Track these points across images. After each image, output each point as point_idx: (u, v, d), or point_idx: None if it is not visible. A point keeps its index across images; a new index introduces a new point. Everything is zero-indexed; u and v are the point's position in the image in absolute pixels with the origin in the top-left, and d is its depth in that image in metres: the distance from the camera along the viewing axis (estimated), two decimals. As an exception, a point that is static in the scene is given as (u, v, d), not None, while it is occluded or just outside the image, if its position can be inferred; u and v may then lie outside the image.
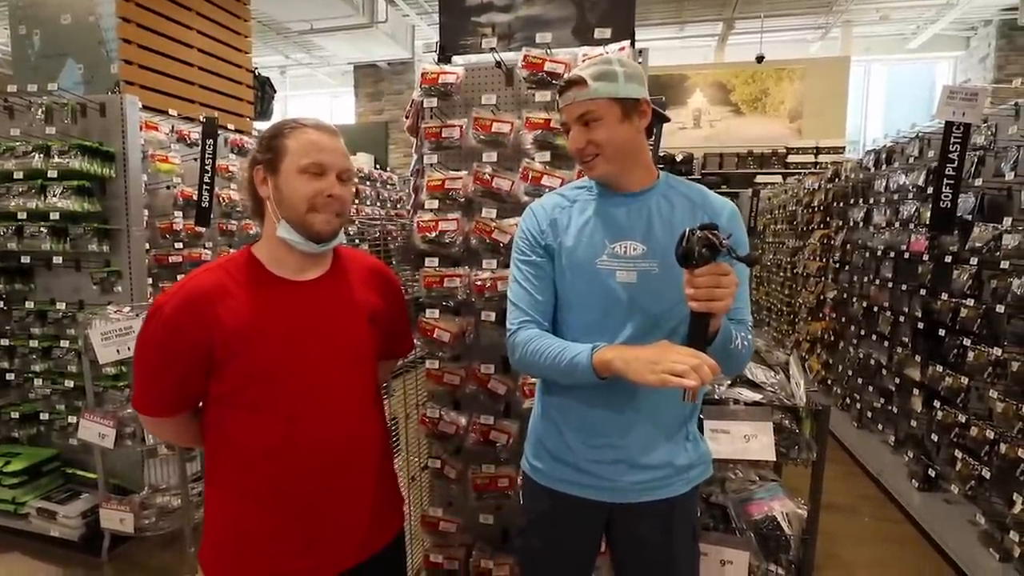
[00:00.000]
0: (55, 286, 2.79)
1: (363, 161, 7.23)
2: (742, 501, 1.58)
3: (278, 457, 1.05)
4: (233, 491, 1.07)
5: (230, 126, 3.72)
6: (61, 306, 2.72)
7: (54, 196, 2.49)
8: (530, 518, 1.29)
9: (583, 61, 1.76)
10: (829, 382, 4.63)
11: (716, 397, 1.56)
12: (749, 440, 1.46)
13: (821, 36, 9.21)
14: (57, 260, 2.66)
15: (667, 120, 1.38)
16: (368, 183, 6.30)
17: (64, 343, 2.72)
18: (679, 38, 9.63)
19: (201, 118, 3.25)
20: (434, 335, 1.88)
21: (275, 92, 5.40)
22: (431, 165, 1.96)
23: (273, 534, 1.06)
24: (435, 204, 1.92)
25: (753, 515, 1.53)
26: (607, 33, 1.86)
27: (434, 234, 1.87)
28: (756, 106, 9.82)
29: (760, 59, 8.20)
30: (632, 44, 1.86)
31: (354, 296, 1.16)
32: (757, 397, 1.54)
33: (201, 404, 1.10)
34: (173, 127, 3.15)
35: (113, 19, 4.22)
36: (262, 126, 3.92)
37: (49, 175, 2.49)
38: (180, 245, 3.12)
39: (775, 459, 1.49)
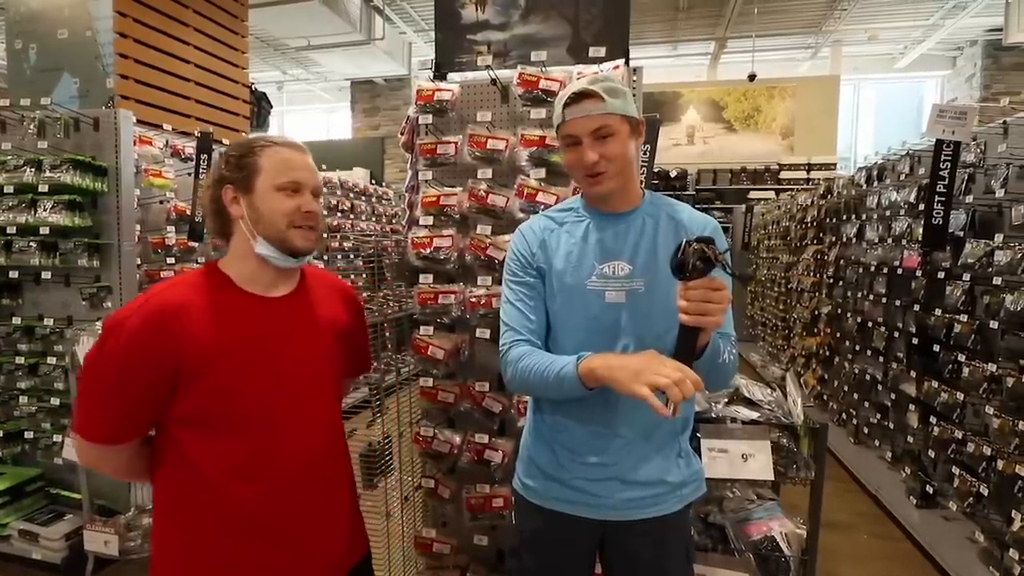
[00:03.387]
0: (43, 301, 2.75)
1: (359, 176, 7.25)
2: (740, 521, 1.56)
3: (245, 478, 1.01)
4: (192, 519, 1.02)
5: (226, 141, 3.72)
6: (49, 322, 2.68)
7: (44, 210, 2.47)
8: (523, 537, 1.27)
9: (578, 79, 1.77)
10: (825, 397, 4.63)
11: (713, 415, 1.54)
12: (747, 459, 1.44)
13: (811, 55, 9.37)
14: (46, 275, 2.62)
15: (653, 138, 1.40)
16: (364, 198, 6.31)
17: (51, 359, 2.67)
18: (673, 56, 9.77)
19: (196, 133, 3.25)
20: (428, 352, 1.86)
21: (271, 107, 5.41)
22: (426, 181, 1.95)
23: (237, 560, 1.02)
24: (430, 220, 1.91)
25: (752, 535, 1.50)
26: (602, 51, 1.88)
27: (429, 250, 1.86)
28: (748, 123, 9.95)
29: (752, 77, 8.32)
30: (627, 63, 1.87)
31: (321, 312, 1.15)
32: (755, 415, 1.53)
33: (153, 431, 1.05)
34: (168, 142, 3.15)
35: (110, 34, 4.23)
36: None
37: (40, 189, 2.47)
38: (172, 260, 3.09)
39: (773, 479, 1.47)
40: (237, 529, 1.02)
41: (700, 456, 1.36)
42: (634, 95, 1.79)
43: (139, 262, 2.97)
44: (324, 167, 5.98)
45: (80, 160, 2.50)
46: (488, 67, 1.93)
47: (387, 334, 2.36)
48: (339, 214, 5.65)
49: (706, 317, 0.94)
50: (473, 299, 1.81)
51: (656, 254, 1.16)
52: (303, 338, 1.11)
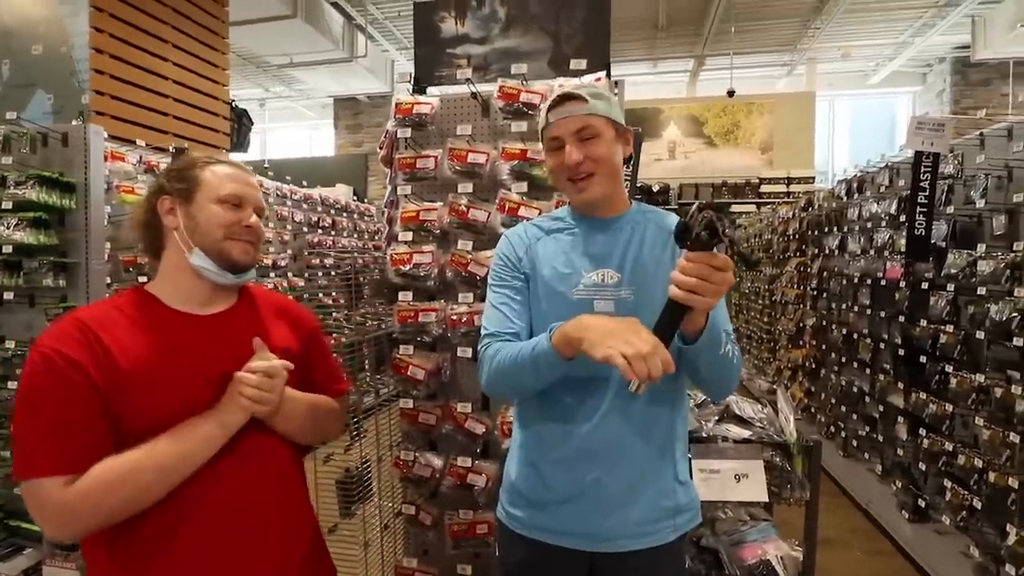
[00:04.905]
0: (5, 323, 2.62)
1: (341, 192, 7.19)
2: (734, 544, 1.50)
3: (188, 511, 0.93)
4: (132, 562, 0.93)
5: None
6: (11, 344, 2.55)
7: (7, 228, 2.36)
8: (506, 570, 1.19)
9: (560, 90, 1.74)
10: (812, 410, 4.61)
11: (704, 434, 1.49)
12: (740, 480, 1.39)
13: (788, 72, 9.57)
14: (8, 295, 2.50)
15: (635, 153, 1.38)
16: (345, 214, 6.24)
17: (12, 384, 2.54)
18: (653, 73, 9.91)
19: (171, 148, 3.17)
20: (408, 372, 1.79)
21: (252, 124, 5.35)
22: (405, 196, 1.90)
23: None
24: (409, 236, 1.86)
25: (747, 560, 1.45)
26: (583, 64, 1.85)
27: (408, 267, 1.80)
28: (728, 138, 10.10)
29: (731, 93, 8.47)
30: (608, 75, 1.85)
31: (263, 330, 1.07)
32: (746, 433, 1.48)
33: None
34: (141, 157, 3.06)
35: (86, 50, 4.17)
36: (239, 158, 3.89)
37: (3, 206, 2.37)
38: (144, 279, 2.99)
39: (768, 499, 1.42)
40: (184, 569, 0.93)
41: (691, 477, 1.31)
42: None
43: (109, 281, 2.87)
44: (305, 183, 5.92)
45: (46, 176, 2.40)
46: (468, 80, 1.90)
47: (365, 353, 2.28)
48: (320, 231, 5.57)
49: (697, 296, 0.87)
50: (454, 317, 1.75)
51: (644, 263, 1.12)
52: (234, 358, 1.01)
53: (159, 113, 3.89)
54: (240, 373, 0.97)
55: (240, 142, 5.16)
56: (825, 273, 4.35)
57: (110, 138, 2.95)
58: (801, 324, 4.92)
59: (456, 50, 2.01)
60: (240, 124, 5.25)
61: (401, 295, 1.85)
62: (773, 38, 8.28)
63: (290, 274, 4.97)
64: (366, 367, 2.37)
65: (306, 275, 5.09)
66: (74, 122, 2.97)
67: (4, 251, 2.39)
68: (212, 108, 4.17)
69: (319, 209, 5.69)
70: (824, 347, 4.35)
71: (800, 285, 4.99)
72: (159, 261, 1.04)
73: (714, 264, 0.86)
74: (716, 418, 1.55)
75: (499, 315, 1.14)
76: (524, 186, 1.77)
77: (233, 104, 4.85)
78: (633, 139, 1.27)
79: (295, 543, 1.07)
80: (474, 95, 1.90)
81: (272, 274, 4.72)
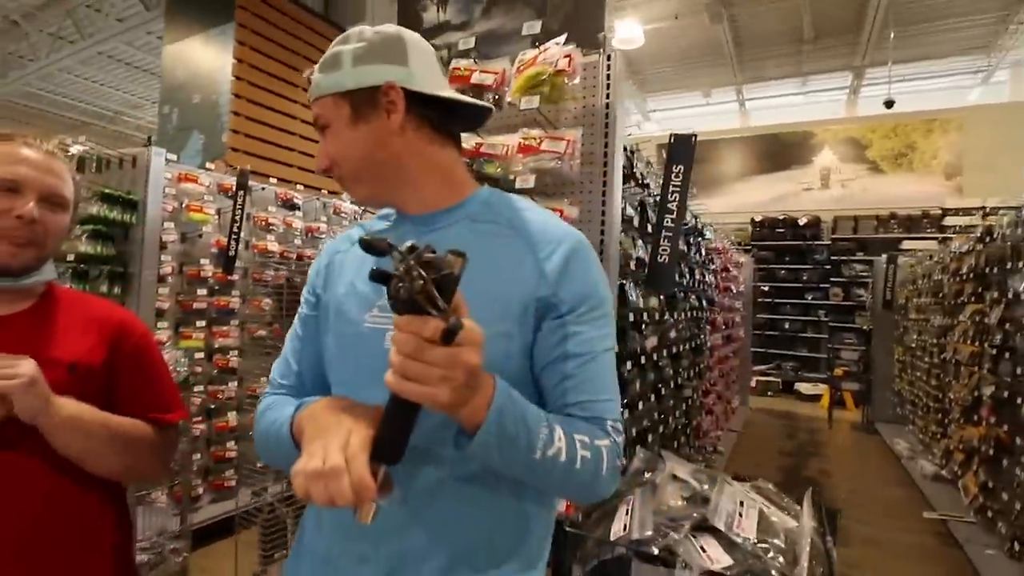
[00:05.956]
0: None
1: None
2: None
3: None
4: None
5: (324, 190, 4.07)
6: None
7: (74, 240, 2.61)
8: None
9: (517, 70, 1.39)
10: (990, 513, 3.38)
11: (655, 549, 0.97)
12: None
13: (982, 80, 7.81)
14: (78, 301, 2.77)
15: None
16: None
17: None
18: (802, 93, 8.81)
19: (234, 169, 3.37)
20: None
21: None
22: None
23: None
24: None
25: None
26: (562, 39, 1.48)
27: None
28: (900, 162, 8.52)
29: (890, 104, 7.08)
30: (601, 46, 1.45)
31: (54, 339, 0.92)
32: (725, 562, 0.92)
33: None
34: (213, 180, 3.28)
35: (228, 96, 4.87)
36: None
37: (72, 220, 2.63)
38: (205, 292, 3.15)
39: None
40: None
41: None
42: (608, 84, 1.37)
43: (178, 293, 3.07)
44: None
45: (108, 193, 2.63)
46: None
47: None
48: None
49: (409, 383, 0.54)
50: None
51: (470, 279, 0.72)
52: None
53: (286, 149, 4.52)
54: None
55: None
56: (1009, 325, 3.21)
57: (243, 172, 3.28)
58: (977, 392, 3.69)
59: (437, 40, 1.76)
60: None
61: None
62: (959, 41, 6.81)
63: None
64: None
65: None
66: (208, 162, 3.35)
67: (68, 260, 2.64)
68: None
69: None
70: (1008, 426, 3.17)
71: (977, 340, 3.78)
72: None
73: (425, 336, 0.53)
74: (689, 525, 1.01)
75: (282, 358, 0.86)
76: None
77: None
78: (681, 144, 0.86)
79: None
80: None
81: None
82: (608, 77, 1.43)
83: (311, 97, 0.79)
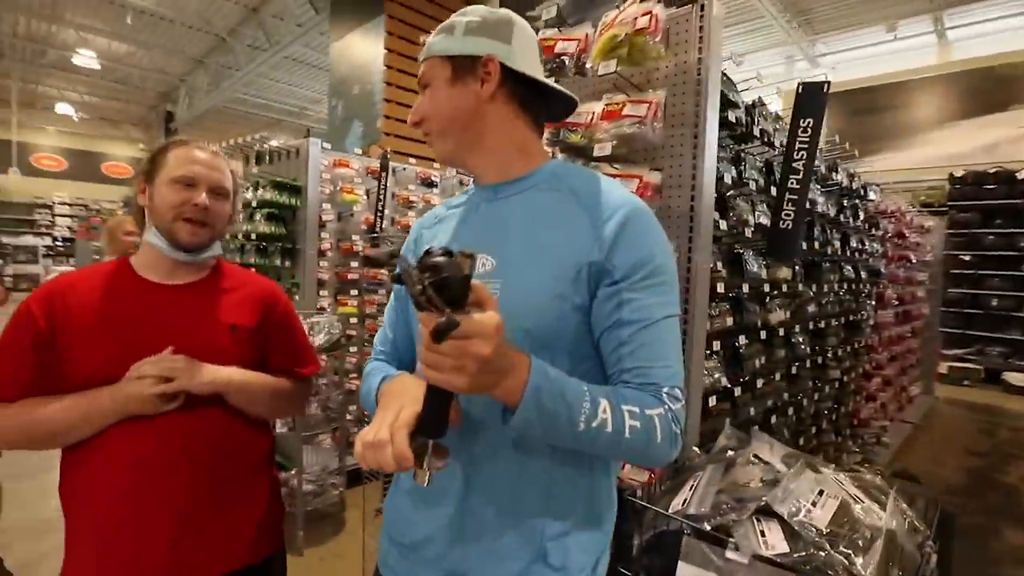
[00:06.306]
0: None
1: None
2: None
3: (138, 462, 1.03)
4: (72, 496, 1.06)
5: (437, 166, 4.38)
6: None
7: (256, 221, 3.14)
8: None
9: (599, 35, 1.35)
10: None
11: (708, 525, 0.93)
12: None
13: None
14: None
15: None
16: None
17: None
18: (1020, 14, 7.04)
19: (382, 151, 3.72)
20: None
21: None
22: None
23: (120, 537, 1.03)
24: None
25: None
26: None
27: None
28: None
29: None
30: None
31: (220, 304, 1.15)
32: (781, 548, 0.86)
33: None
34: (362, 164, 3.67)
35: (381, 85, 5.35)
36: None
37: (252, 204, 3.16)
38: (356, 264, 3.59)
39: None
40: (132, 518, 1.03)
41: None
42: (686, 41, 1.29)
43: (336, 266, 3.54)
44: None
45: (278, 181, 3.10)
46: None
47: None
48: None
49: (428, 370, 0.62)
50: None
51: (521, 244, 0.79)
52: (185, 326, 1.11)
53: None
54: (133, 367, 1.04)
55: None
56: None
57: (393, 154, 3.67)
58: None
59: (535, 11, 1.77)
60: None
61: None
62: None
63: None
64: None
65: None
66: (357, 148, 3.76)
67: (253, 238, 3.18)
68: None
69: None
70: None
71: None
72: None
73: (430, 331, 0.59)
74: (753, 507, 0.96)
75: (383, 327, 1.00)
76: (557, 153, 1.44)
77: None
78: (810, 95, 0.87)
79: (231, 505, 1.12)
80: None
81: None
82: (700, 30, 1.32)
83: (421, 57, 0.87)
